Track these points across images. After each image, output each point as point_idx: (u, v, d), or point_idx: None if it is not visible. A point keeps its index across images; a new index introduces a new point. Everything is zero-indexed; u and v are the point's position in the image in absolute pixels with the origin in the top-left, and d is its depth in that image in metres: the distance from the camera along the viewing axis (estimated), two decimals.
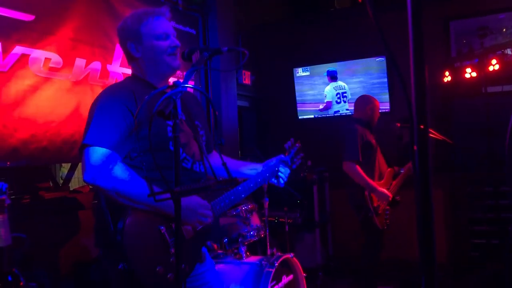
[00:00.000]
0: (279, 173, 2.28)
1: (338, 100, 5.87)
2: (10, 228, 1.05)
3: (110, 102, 1.79)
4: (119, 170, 1.71)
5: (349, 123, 4.01)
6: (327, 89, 5.93)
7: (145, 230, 1.72)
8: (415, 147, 0.85)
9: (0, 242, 1.00)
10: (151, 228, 1.73)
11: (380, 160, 4.00)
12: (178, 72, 4.27)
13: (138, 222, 1.71)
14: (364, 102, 4.04)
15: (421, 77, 0.84)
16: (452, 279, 4.56)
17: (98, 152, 1.69)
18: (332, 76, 5.87)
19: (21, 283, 1.04)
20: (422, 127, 0.87)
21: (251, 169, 2.24)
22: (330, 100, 5.92)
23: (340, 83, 5.85)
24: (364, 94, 4.32)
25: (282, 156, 2.32)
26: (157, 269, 1.67)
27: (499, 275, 4.29)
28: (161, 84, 1.93)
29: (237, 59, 5.06)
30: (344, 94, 5.84)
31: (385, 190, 3.79)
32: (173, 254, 1.73)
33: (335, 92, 5.88)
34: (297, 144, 2.41)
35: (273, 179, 2.30)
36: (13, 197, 2.84)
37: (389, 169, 4.01)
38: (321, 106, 6.00)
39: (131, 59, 1.96)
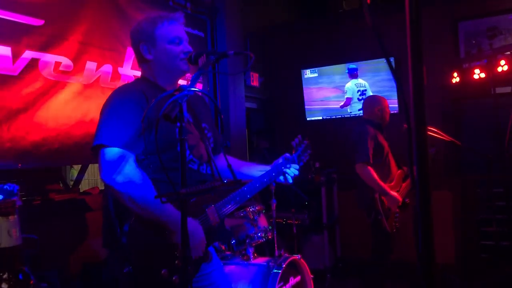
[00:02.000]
0: (286, 171, 2.25)
1: (360, 98, 5.76)
2: (21, 229, 1.08)
3: (123, 101, 1.81)
4: (133, 172, 1.73)
5: (361, 124, 3.93)
6: (348, 85, 5.86)
7: (150, 233, 1.74)
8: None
9: (11, 241, 1.03)
10: (156, 231, 1.74)
11: (391, 161, 3.95)
12: (187, 74, 4.30)
13: (144, 224, 1.73)
14: (372, 103, 3.99)
15: (419, 78, 0.84)
16: (461, 280, 4.53)
17: (113, 152, 1.72)
18: (352, 74, 5.82)
19: (32, 282, 1.06)
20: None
21: (258, 170, 2.23)
22: (350, 96, 5.84)
23: (360, 80, 5.77)
24: (372, 95, 4.27)
25: (288, 154, 2.29)
26: (162, 272, 1.69)
27: (510, 277, 4.25)
28: (170, 87, 1.95)
29: (245, 60, 5.07)
30: (364, 92, 5.75)
31: (396, 194, 3.74)
32: (178, 257, 1.74)
33: (356, 89, 5.81)
34: (305, 141, 2.35)
35: (280, 178, 2.26)
36: (24, 198, 2.89)
37: (399, 171, 3.95)
38: (341, 103, 5.92)
39: (142, 61, 1.98)
